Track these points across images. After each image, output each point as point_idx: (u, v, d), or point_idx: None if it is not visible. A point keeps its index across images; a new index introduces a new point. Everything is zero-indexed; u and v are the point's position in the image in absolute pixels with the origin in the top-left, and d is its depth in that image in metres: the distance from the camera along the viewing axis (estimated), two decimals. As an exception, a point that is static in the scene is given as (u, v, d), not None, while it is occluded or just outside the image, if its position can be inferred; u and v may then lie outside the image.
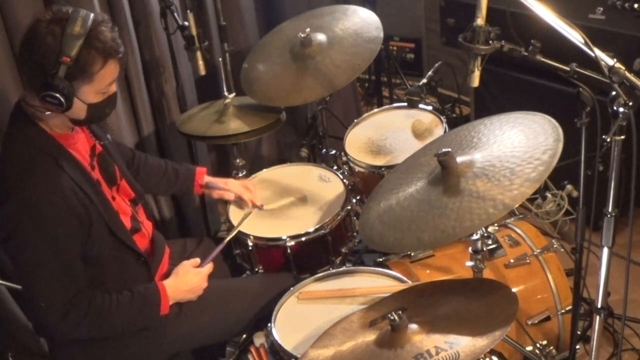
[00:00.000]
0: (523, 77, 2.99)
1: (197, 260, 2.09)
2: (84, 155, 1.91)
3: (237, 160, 2.73)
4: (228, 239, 2.25)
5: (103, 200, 1.90)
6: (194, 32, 2.66)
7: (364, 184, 2.52)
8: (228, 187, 2.36)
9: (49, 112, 1.77)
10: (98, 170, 1.97)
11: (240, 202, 2.39)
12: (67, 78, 1.70)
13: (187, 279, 2.03)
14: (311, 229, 2.24)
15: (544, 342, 2.21)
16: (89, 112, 1.81)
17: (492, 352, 2.08)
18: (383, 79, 3.91)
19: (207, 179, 2.36)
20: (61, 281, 1.80)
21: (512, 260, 2.25)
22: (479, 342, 1.45)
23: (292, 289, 2.05)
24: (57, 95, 1.70)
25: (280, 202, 2.42)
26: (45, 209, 1.74)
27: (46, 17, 1.72)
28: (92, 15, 1.74)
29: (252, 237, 2.26)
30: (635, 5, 2.68)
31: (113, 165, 2.05)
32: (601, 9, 2.72)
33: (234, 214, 2.38)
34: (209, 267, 2.08)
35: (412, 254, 2.27)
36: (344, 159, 2.57)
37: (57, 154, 1.81)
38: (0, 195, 1.75)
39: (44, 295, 1.80)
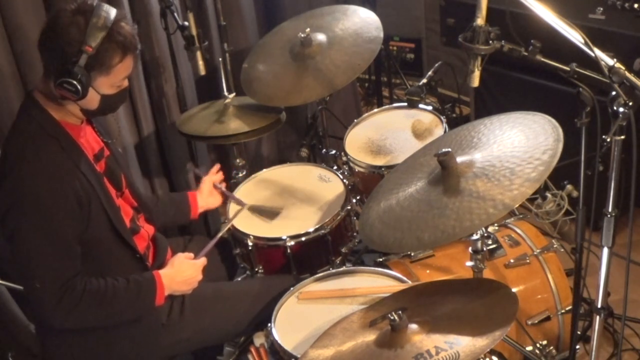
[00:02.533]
0: (523, 77, 2.99)
1: (191, 254, 2.09)
2: (87, 149, 1.92)
3: (237, 160, 2.73)
4: (221, 232, 2.25)
5: (105, 190, 1.91)
6: (194, 32, 2.67)
7: (364, 184, 2.52)
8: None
9: (62, 100, 1.79)
10: (104, 169, 1.98)
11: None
12: (86, 68, 1.74)
13: (182, 270, 2.02)
14: (311, 229, 2.24)
15: (544, 342, 2.21)
16: (101, 103, 1.85)
17: (492, 352, 2.08)
18: (383, 79, 3.90)
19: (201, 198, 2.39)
20: (57, 261, 1.79)
21: (512, 260, 2.25)
22: (479, 342, 1.45)
23: (292, 289, 2.04)
24: (74, 82, 1.73)
25: (279, 202, 2.42)
26: (43, 183, 1.75)
27: (70, 7, 1.76)
28: (114, 10, 1.79)
29: (252, 237, 2.26)
30: (635, 5, 2.68)
31: (120, 173, 2.06)
32: (601, 9, 2.72)
33: (232, 211, 2.39)
34: (203, 260, 2.08)
35: (412, 254, 2.26)
36: (344, 159, 2.57)
37: (61, 138, 1.82)
38: (3, 172, 1.77)
39: (38, 276, 1.79)
